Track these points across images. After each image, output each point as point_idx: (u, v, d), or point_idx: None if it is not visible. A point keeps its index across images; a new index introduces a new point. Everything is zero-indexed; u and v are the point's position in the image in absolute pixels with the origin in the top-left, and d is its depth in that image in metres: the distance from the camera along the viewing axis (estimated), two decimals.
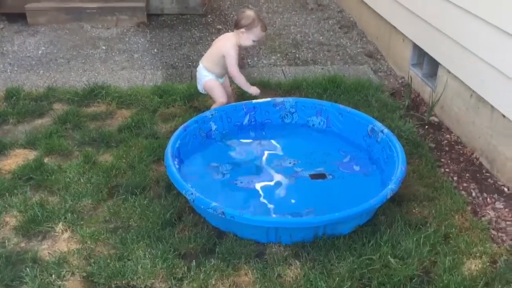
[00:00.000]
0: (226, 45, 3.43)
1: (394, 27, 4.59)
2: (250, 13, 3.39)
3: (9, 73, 4.46)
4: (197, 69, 3.61)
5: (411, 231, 2.58)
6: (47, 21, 5.59)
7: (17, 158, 3.18)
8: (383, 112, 3.75)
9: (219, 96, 3.54)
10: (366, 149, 3.27)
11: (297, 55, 5.06)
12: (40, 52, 4.96)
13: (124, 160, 3.18)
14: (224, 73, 3.60)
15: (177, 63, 4.83)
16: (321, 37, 5.52)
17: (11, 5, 5.69)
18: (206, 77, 3.53)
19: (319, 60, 4.95)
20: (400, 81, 4.49)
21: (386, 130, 3.15)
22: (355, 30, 5.68)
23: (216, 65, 3.50)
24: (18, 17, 5.65)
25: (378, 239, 2.51)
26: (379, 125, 3.22)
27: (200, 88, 3.64)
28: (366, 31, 5.56)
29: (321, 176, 3.08)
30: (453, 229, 2.62)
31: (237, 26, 3.39)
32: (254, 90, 3.50)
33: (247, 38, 3.38)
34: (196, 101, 3.96)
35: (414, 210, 2.78)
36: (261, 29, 3.39)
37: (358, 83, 4.18)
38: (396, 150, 2.93)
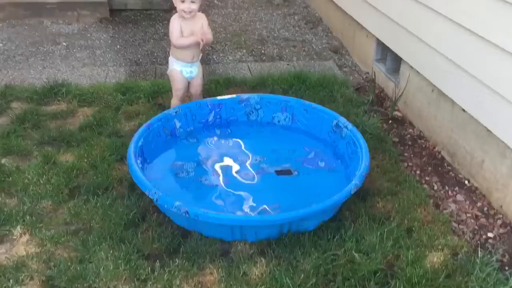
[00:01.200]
0: (171, 20, 3.29)
1: (358, 23, 4.63)
2: None
3: None
4: None
5: (375, 226, 2.61)
6: (5, 16, 5.40)
7: None
8: (348, 107, 3.77)
9: (176, 89, 3.47)
10: (331, 145, 3.28)
11: (262, 51, 5.04)
12: None
13: (85, 160, 3.10)
14: (187, 56, 3.36)
15: (141, 60, 4.74)
16: (286, 33, 5.52)
17: None
18: (171, 66, 3.42)
19: (284, 56, 4.95)
20: (364, 76, 4.54)
21: (350, 126, 3.17)
22: (321, 26, 5.71)
23: (173, 48, 3.37)
24: None
25: (342, 234, 2.53)
26: (343, 120, 3.24)
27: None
28: (332, 27, 5.59)
29: (287, 172, 3.08)
30: (416, 223, 2.66)
31: None
32: (198, 36, 3.23)
33: (176, 5, 3.21)
34: (161, 98, 3.90)
35: (378, 205, 2.81)
36: None
37: (323, 78, 4.20)
38: (360, 146, 2.95)
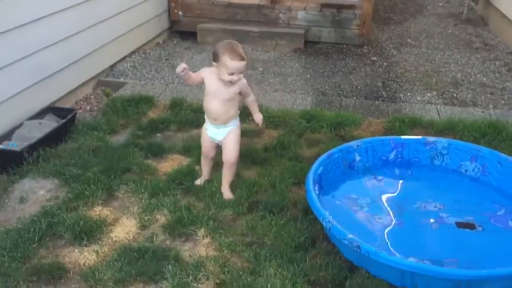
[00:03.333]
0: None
1: None
2: (219, 43, 2.90)
3: (176, 85, 4.91)
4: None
5: None
6: (214, 40, 6.04)
7: (173, 162, 3.48)
8: None
9: (202, 146, 3.16)
10: None
11: (454, 95, 4.78)
12: None
13: (266, 178, 3.27)
14: (209, 116, 3.04)
15: (327, 91, 4.88)
16: (484, 78, 5.15)
17: (185, 24, 6.31)
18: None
19: (479, 102, 4.62)
20: None
21: None
22: None
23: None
24: (189, 35, 6.23)
25: None
26: None
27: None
28: None
29: (469, 225, 2.85)
30: None
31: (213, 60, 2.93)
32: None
33: (222, 72, 2.85)
34: (343, 130, 3.95)
35: None
36: (229, 56, 2.80)
37: None
38: None
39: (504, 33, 6.32)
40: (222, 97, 2.95)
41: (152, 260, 2.56)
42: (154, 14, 5.92)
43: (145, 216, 2.91)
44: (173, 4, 6.20)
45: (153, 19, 5.92)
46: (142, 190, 3.11)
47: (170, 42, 6.19)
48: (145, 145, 3.64)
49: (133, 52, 5.57)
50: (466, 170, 3.31)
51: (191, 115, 4.13)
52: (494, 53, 5.87)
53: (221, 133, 3.06)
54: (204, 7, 6.26)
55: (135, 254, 2.59)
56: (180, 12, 6.25)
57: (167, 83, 4.96)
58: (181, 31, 6.37)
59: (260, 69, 5.36)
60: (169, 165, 3.44)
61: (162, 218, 2.91)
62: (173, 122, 4.02)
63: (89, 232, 2.73)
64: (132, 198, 3.08)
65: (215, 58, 2.88)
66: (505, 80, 5.09)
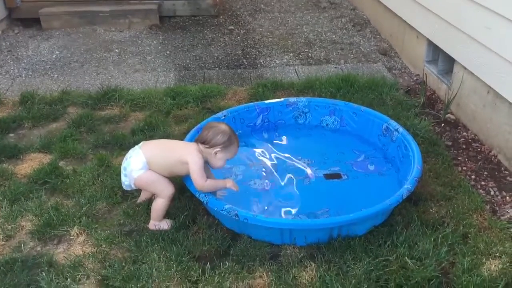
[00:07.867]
0: (194, 156, 2.59)
1: (408, 24, 4.53)
2: (225, 128, 2.65)
3: (24, 78, 4.50)
4: (130, 155, 2.63)
5: (428, 231, 2.54)
6: (60, 25, 5.64)
7: (32, 162, 3.20)
8: (398, 110, 3.70)
9: (165, 186, 2.63)
10: (381, 148, 3.23)
11: (309, 54, 5.02)
12: (54, 56, 4.99)
13: None
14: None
15: (189, 65, 4.83)
16: (334, 36, 5.48)
17: (26, 10, 5.76)
18: (140, 170, 2.58)
19: (332, 59, 4.91)
20: (415, 78, 4.43)
21: (401, 129, 3.10)
22: (369, 28, 5.63)
23: (168, 169, 2.64)
24: (32, 22, 5.71)
25: (394, 239, 2.48)
26: (394, 123, 3.18)
27: (128, 183, 2.65)
28: (380, 29, 5.50)
29: (336, 176, 3.05)
30: (472, 229, 2.57)
31: (208, 142, 2.61)
32: (230, 183, 2.67)
33: (221, 158, 2.65)
34: (209, 102, 3.95)
35: (431, 210, 2.73)
36: (237, 146, 2.72)
37: (372, 81, 4.14)
38: (412, 149, 2.89)
39: None
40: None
41: (22, 271, 2.36)
42: None
43: (8, 225, 2.66)
44: None
45: None
46: (0, 198, 2.83)
47: (11, 32, 5.62)
48: None
49: None
50: (327, 124, 3.52)
51: (46, 109, 3.83)
52: (339, 10, 6.26)
53: None
54: None
55: (2, 268, 2.38)
56: None
57: (13, 77, 4.52)
58: (22, 19, 5.81)
59: (116, 50, 5.12)
60: (28, 166, 3.17)
61: (28, 224, 2.69)
62: (26, 118, 3.69)
63: None
64: None
65: (218, 143, 2.61)
66: (352, 36, 5.46)
